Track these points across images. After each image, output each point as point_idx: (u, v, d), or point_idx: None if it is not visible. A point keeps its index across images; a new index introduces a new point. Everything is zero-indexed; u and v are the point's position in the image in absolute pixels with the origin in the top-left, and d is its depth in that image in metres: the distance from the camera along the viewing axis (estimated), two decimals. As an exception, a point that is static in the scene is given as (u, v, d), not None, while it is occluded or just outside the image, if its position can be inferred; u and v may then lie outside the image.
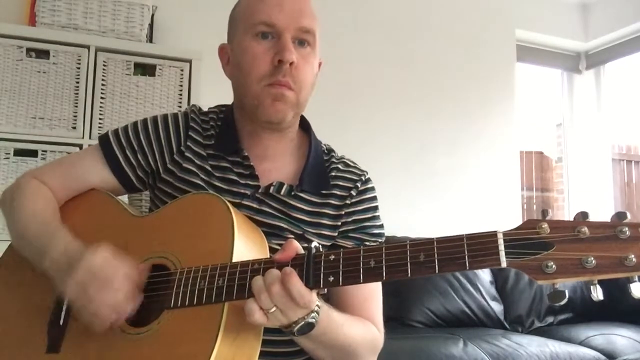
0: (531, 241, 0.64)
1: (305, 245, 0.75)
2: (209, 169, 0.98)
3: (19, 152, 1.94)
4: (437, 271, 0.66)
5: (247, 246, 0.81)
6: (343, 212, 0.99)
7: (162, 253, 0.84)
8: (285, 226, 0.95)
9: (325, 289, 0.72)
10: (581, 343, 2.35)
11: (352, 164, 1.06)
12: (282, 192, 0.96)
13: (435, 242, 0.68)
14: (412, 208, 2.93)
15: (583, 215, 0.64)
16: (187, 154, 0.99)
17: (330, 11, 2.88)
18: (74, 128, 2.00)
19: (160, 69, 2.11)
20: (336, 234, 0.99)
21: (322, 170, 1.01)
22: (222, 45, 1.02)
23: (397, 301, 2.52)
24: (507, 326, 2.61)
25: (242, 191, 0.96)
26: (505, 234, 0.65)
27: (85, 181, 1.00)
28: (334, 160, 1.05)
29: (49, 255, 0.85)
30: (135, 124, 1.02)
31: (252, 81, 0.92)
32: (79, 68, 2.02)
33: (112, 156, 1.00)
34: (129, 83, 2.08)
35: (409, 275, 0.67)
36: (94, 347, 0.81)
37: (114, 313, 0.78)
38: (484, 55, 3.28)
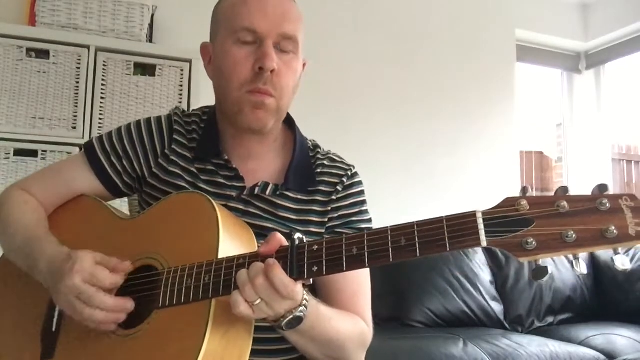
0: (511, 218, 0.63)
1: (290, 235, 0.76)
2: (195, 171, 0.98)
3: (19, 152, 1.94)
4: (418, 254, 0.66)
5: (233, 242, 0.81)
6: (329, 208, 0.99)
7: (150, 254, 0.85)
8: (272, 226, 0.95)
9: (311, 280, 0.73)
10: (581, 343, 2.35)
11: (338, 159, 1.05)
12: (267, 192, 0.96)
13: (415, 226, 0.68)
14: (412, 208, 2.93)
15: (563, 190, 0.63)
16: (172, 157, 0.99)
17: (330, 11, 2.88)
18: (74, 128, 2.00)
19: (160, 69, 2.11)
20: (324, 230, 0.99)
21: (307, 167, 1.01)
22: (204, 44, 1.01)
23: (397, 301, 2.52)
24: (507, 326, 2.61)
25: (228, 193, 0.96)
26: (484, 212, 0.65)
27: (71, 189, 1.01)
28: (319, 156, 1.04)
29: (37, 267, 0.86)
30: (119, 129, 1.03)
31: (233, 87, 0.91)
32: (79, 68, 2.02)
33: (97, 163, 1.00)
34: (129, 83, 2.08)
35: (391, 260, 0.68)
36: (86, 351, 0.82)
37: (105, 324, 0.79)
38: (484, 55, 3.28)
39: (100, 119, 2.03)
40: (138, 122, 1.02)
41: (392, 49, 3.04)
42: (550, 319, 2.73)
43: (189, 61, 2.14)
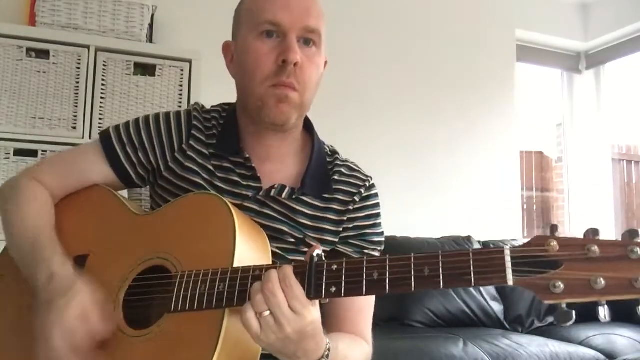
0: (539, 259, 0.62)
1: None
2: (211, 168, 0.96)
3: (19, 152, 1.94)
4: (441, 286, 0.65)
5: (248, 248, 0.80)
6: (345, 218, 0.98)
7: (163, 254, 0.84)
8: (286, 230, 0.94)
9: (327, 299, 0.71)
10: (581, 343, 2.35)
11: (356, 168, 1.04)
12: (283, 195, 0.95)
13: (440, 257, 0.66)
14: (412, 208, 2.93)
15: (593, 232, 0.62)
16: (189, 152, 0.97)
17: (330, 11, 2.88)
18: (74, 128, 2.00)
19: (160, 69, 2.11)
20: (337, 239, 0.98)
21: (324, 173, 1.00)
22: (226, 43, 1.00)
23: (397, 301, 2.52)
24: (507, 326, 2.61)
25: (244, 193, 0.94)
26: (512, 250, 0.63)
27: (84, 177, 0.99)
28: (337, 162, 1.03)
29: (35, 270, 0.84)
30: (137, 120, 1.01)
31: (256, 82, 0.90)
32: (79, 68, 2.02)
33: (113, 152, 0.98)
34: (129, 83, 2.08)
35: (412, 289, 0.66)
36: (92, 349, 0.81)
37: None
38: (484, 55, 3.28)
39: (100, 119, 2.03)
40: (157, 115, 1.01)
41: (391, 49, 3.04)
42: (550, 319, 2.73)
43: (189, 61, 2.14)
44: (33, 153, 1.95)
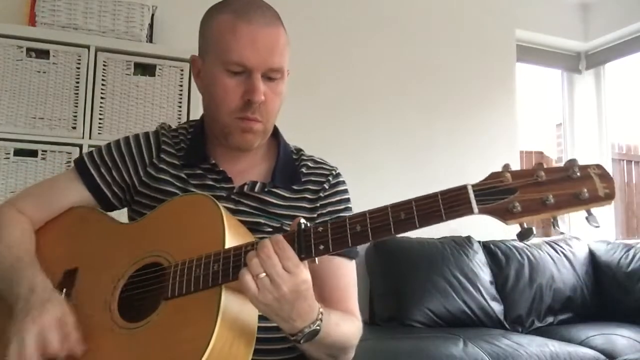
0: (497, 188, 0.72)
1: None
2: (184, 177, 1.02)
3: (19, 152, 1.94)
4: (417, 225, 0.73)
5: (237, 235, 0.83)
6: (318, 205, 1.05)
7: (154, 252, 0.86)
8: (263, 221, 0.99)
9: (317, 260, 0.76)
10: (581, 343, 2.35)
11: (321, 161, 1.12)
12: (256, 189, 1.01)
13: (413, 202, 0.74)
14: (412, 208, 2.93)
15: (539, 164, 0.73)
16: (160, 165, 1.03)
17: (330, 12, 2.88)
18: (74, 128, 2.00)
19: (160, 69, 2.11)
20: None
21: (292, 167, 1.07)
22: (193, 57, 1.05)
23: (397, 301, 2.52)
24: (507, 326, 2.61)
25: (218, 194, 0.99)
26: (473, 185, 0.73)
27: (63, 203, 1.04)
28: (303, 157, 1.11)
29: (16, 290, 0.86)
30: (108, 144, 1.07)
31: (223, 112, 0.96)
32: (79, 68, 2.02)
33: (87, 174, 1.04)
34: (129, 83, 2.08)
35: (392, 232, 0.74)
36: (92, 347, 0.82)
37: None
38: (484, 55, 3.28)
39: (100, 119, 2.03)
40: (127, 138, 1.08)
41: (391, 49, 3.04)
42: (550, 319, 2.73)
43: (189, 61, 2.13)
44: (33, 153, 1.95)
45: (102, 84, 2.05)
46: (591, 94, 3.75)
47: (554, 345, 2.24)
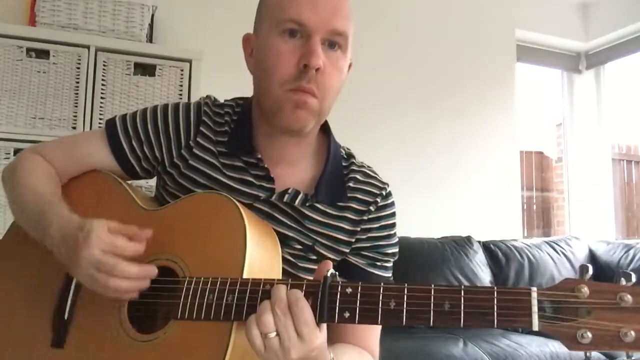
0: (568, 305, 0.59)
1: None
2: (219, 165, 0.92)
3: (19, 152, 1.94)
4: (462, 324, 0.62)
5: (259, 255, 0.78)
6: (359, 228, 0.94)
7: (170, 256, 0.82)
8: (294, 236, 0.90)
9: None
10: (581, 343, 2.35)
11: (372, 174, 0.99)
12: (297, 202, 0.90)
13: (462, 292, 0.63)
14: (412, 208, 2.93)
15: (626, 277, 0.59)
16: (195, 149, 0.93)
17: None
18: (74, 128, 2.00)
19: (160, 69, 2.11)
20: (349, 250, 0.94)
21: (339, 179, 0.95)
22: (246, 36, 0.94)
23: (397, 301, 2.51)
24: (507, 326, 2.61)
25: (255, 193, 0.90)
26: (540, 292, 0.60)
27: (87, 162, 0.97)
28: (353, 167, 0.98)
29: (48, 233, 0.82)
30: (144, 111, 0.96)
31: (274, 83, 0.84)
32: (79, 68, 2.02)
33: (118, 144, 0.95)
34: (129, 83, 2.08)
35: (431, 324, 0.63)
36: (98, 348, 0.81)
37: (130, 293, 0.77)
38: (484, 55, 3.28)
39: (100, 119, 2.03)
40: (165, 107, 0.96)
41: (392, 50, 3.04)
42: (550, 319, 2.73)
43: (189, 61, 2.14)
44: (33, 153, 1.95)
45: (102, 84, 2.05)
46: (591, 94, 3.75)
47: (554, 345, 2.24)
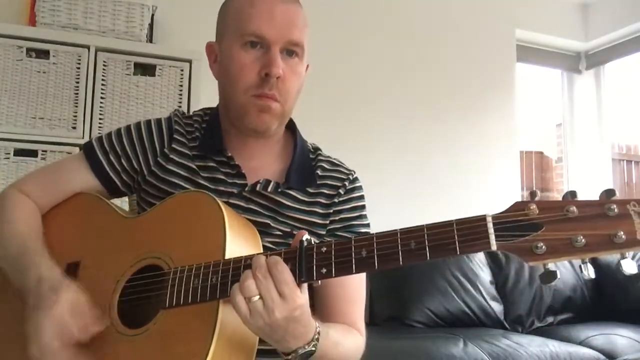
0: (520, 223, 0.63)
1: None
2: (195, 168, 0.98)
3: (19, 152, 1.94)
4: (428, 258, 0.66)
5: (239, 242, 0.81)
6: (331, 211, 1.00)
7: (156, 254, 0.85)
8: (272, 224, 0.96)
9: (319, 282, 0.72)
10: (581, 343, 2.35)
11: (338, 163, 1.07)
12: (269, 189, 0.97)
13: (425, 229, 0.68)
14: (412, 208, 2.93)
15: (571, 194, 0.64)
16: (171, 155, 1.00)
17: (330, 13, 2.88)
18: (74, 128, 2.00)
19: (160, 69, 2.11)
20: (324, 232, 1.00)
21: (308, 168, 1.02)
22: (209, 43, 1.02)
23: (397, 301, 2.52)
24: (507, 326, 2.61)
25: (229, 190, 0.96)
26: (494, 217, 0.65)
27: (69, 188, 1.01)
28: (320, 158, 1.06)
29: (25, 285, 0.85)
30: (118, 130, 1.04)
31: (239, 91, 0.93)
32: (79, 68, 2.02)
33: (96, 162, 1.01)
34: (129, 83, 2.08)
35: (401, 263, 0.68)
36: (91, 350, 0.81)
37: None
38: (484, 55, 3.28)
39: (100, 119, 2.03)
40: (138, 123, 1.04)
41: (391, 50, 3.04)
42: (550, 319, 2.73)
43: (189, 61, 2.14)
44: (33, 153, 1.95)
45: (102, 84, 2.05)
46: (591, 94, 3.74)
47: (554, 345, 2.24)
